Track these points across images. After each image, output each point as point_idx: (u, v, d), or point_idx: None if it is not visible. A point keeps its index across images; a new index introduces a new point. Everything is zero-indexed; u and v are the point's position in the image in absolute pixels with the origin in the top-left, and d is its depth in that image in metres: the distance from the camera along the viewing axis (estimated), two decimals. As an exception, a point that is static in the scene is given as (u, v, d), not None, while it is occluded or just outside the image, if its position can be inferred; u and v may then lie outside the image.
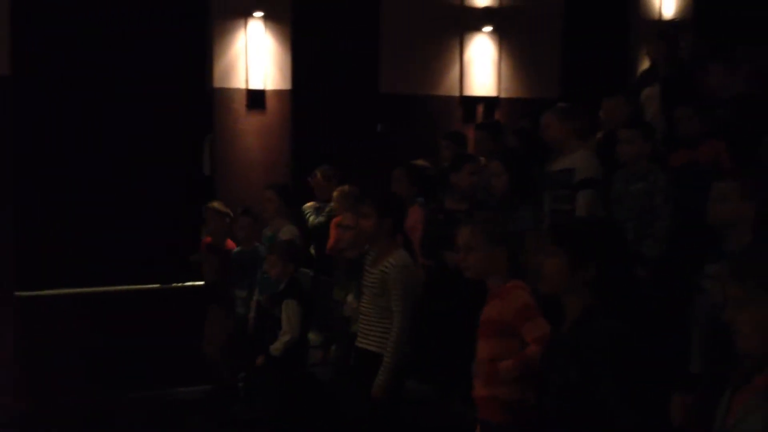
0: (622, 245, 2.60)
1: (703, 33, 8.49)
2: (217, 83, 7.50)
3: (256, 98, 7.60)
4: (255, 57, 7.56)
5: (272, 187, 6.07)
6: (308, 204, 6.70)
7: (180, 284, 7.21)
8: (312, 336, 5.56)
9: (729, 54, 5.96)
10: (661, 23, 8.63)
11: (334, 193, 6.21)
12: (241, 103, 7.58)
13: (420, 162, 6.15)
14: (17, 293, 6.76)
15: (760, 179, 3.20)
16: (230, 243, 6.34)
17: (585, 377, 2.29)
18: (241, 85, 7.57)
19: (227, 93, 7.54)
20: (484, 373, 3.19)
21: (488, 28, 8.13)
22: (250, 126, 7.65)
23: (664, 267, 4.15)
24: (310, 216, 6.57)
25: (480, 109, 8.18)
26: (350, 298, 4.79)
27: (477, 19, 8.12)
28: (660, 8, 8.84)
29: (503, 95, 8.28)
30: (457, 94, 8.15)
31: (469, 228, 3.21)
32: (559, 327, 2.54)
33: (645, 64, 7.97)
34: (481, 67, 8.20)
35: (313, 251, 6.50)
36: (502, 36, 8.22)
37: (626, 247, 3.09)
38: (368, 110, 7.93)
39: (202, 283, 6.65)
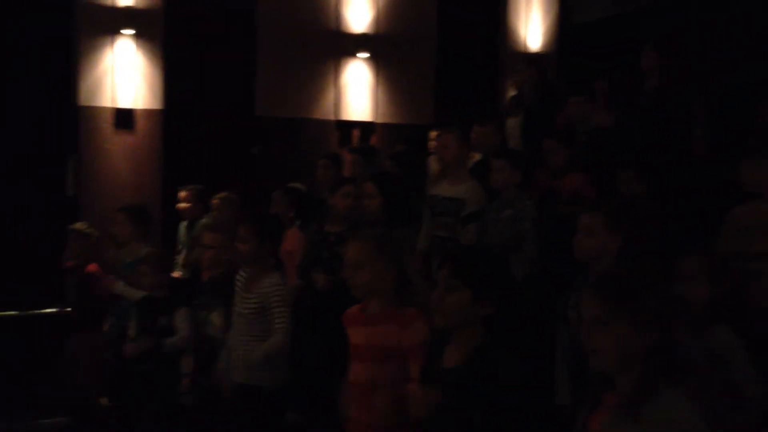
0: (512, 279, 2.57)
1: (565, 66, 8.94)
2: (83, 101, 7.22)
3: (124, 117, 7.36)
4: (124, 75, 7.33)
5: (124, 210, 5.66)
6: (184, 223, 6.54)
7: (41, 311, 6.81)
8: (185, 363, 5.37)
9: (588, 87, 6.29)
10: (527, 55, 9.00)
11: (214, 201, 6.07)
12: (108, 122, 7.33)
13: (295, 185, 6.12)
14: None
15: (624, 212, 3.29)
16: (93, 266, 6.03)
17: (484, 415, 2.24)
18: (109, 104, 7.31)
19: (94, 111, 7.26)
20: (363, 398, 3.05)
21: (364, 54, 8.23)
22: (117, 145, 7.40)
23: (530, 295, 4.18)
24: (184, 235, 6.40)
25: (356, 133, 8.24)
26: (215, 316, 4.63)
27: (353, 44, 8.21)
28: (526, 40, 9.22)
29: (379, 120, 8.38)
30: (333, 118, 8.18)
31: (359, 244, 3.09)
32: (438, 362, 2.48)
33: (512, 93, 8.30)
34: (357, 91, 8.28)
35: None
36: (377, 62, 8.34)
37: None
38: (243, 132, 7.83)
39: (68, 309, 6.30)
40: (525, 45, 9.19)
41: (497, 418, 2.23)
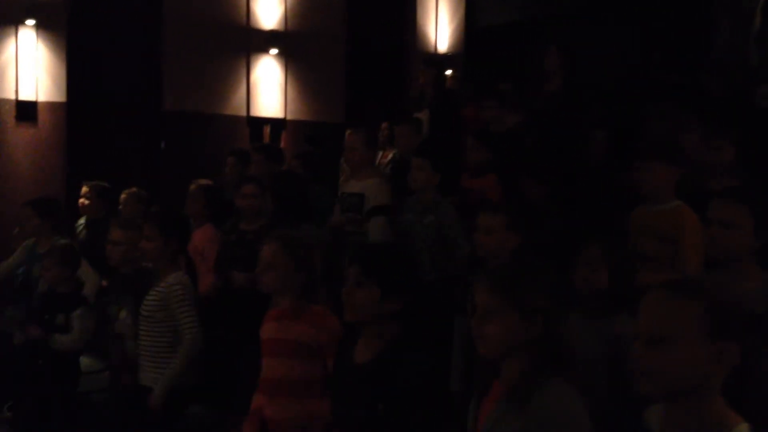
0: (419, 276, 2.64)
1: (473, 68, 9.19)
2: (-16, 93, 6.98)
3: (26, 110, 7.15)
4: (26, 67, 7.12)
5: (30, 204, 5.45)
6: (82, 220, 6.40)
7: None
8: (87, 361, 5.27)
9: (501, 90, 6.50)
10: (435, 56, 9.20)
11: (123, 195, 5.97)
12: (9, 115, 7.10)
13: (203, 181, 6.09)
14: None
15: (523, 212, 3.46)
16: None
17: (393, 409, 2.31)
18: (11, 96, 7.09)
19: (-6, 103, 7.04)
20: (278, 393, 3.14)
21: (275, 51, 8.25)
22: (20, 138, 7.18)
23: (433, 289, 4.29)
24: (82, 231, 6.27)
25: (267, 130, 8.25)
26: (123, 313, 4.58)
27: (263, 41, 8.21)
28: (435, 42, 9.42)
29: (290, 117, 8.42)
30: (243, 114, 8.16)
31: (275, 244, 3.17)
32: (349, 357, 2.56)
33: (415, 92, 8.49)
34: (268, 88, 8.29)
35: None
36: (288, 59, 8.37)
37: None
38: (150, 127, 7.72)
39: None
40: (433, 46, 9.39)
41: (403, 411, 2.32)
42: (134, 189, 6.10)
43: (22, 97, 7.11)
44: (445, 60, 8.71)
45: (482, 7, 9.54)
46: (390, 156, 6.22)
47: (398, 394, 2.33)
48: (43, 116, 7.24)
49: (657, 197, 3.70)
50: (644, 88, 6.59)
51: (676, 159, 3.72)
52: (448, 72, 8.00)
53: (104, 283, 5.60)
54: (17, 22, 7.01)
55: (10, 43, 7.04)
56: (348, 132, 5.15)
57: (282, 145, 8.09)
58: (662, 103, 5.40)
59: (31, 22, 7.05)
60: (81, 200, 6.37)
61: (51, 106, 7.27)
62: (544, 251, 3.37)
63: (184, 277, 3.97)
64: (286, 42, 8.31)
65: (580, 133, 5.74)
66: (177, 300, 3.83)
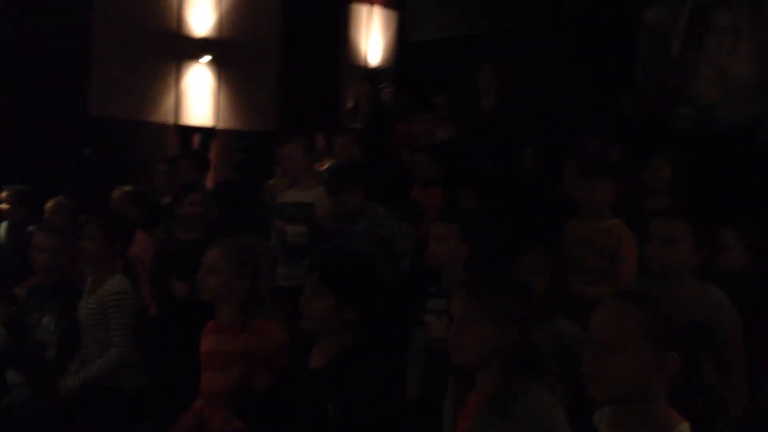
0: (379, 285, 2.66)
1: (405, 82, 9.30)
2: None
3: (-55, 112, 6.88)
4: (-55, 67, 6.86)
5: None
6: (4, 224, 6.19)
7: None
8: (9, 374, 5.08)
9: (428, 103, 6.62)
10: (366, 69, 9.28)
11: (48, 204, 5.80)
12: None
13: (127, 187, 5.97)
14: None
15: (473, 222, 3.53)
16: None
17: (345, 413, 2.33)
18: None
19: None
20: (221, 406, 3.06)
21: (206, 58, 8.16)
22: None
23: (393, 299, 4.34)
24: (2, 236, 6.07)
25: (196, 138, 8.14)
26: (46, 320, 4.44)
27: (194, 48, 8.11)
28: (366, 55, 9.50)
29: (221, 125, 8.33)
30: (172, 121, 8.04)
31: (219, 250, 3.12)
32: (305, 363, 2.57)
33: (350, 105, 8.55)
34: (199, 96, 8.19)
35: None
36: (220, 66, 8.30)
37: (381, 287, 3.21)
38: (76, 132, 7.52)
39: None
40: (365, 59, 9.47)
41: (352, 412, 2.34)
42: (60, 198, 5.93)
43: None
44: (378, 74, 8.79)
45: (415, 23, 9.68)
46: (327, 166, 6.24)
47: (348, 396, 2.35)
48: (-37, 119, 6.97)
49: (596, 213, 3.84)
50: (573, 107, 6.82)
51: (615, 177, 3.88)
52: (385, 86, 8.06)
53: (20, 290, 5.44)
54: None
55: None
56: (285, 141, 5.14)
57: (212, 153, 8.00)
58: (591, 122, 5.60)
59: (-49, 21, 6.80)
60: (1, 205, 6.16)
61: (-28, 108, 7.02)
62: (487, 259, 3.44)
63: (123, 282, 3.84)
64: (219, 49, 8.23)
65: (512, 148, 5.90)
66: (112, 311, 3.73)
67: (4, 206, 6.16)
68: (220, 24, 8.31)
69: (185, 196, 4.81)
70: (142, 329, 3.98)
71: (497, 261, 3.46)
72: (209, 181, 6.74)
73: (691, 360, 1.78)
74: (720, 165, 5.78)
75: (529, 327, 2.10)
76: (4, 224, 6.23)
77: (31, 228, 5.25)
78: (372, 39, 9.51)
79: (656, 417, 1.74)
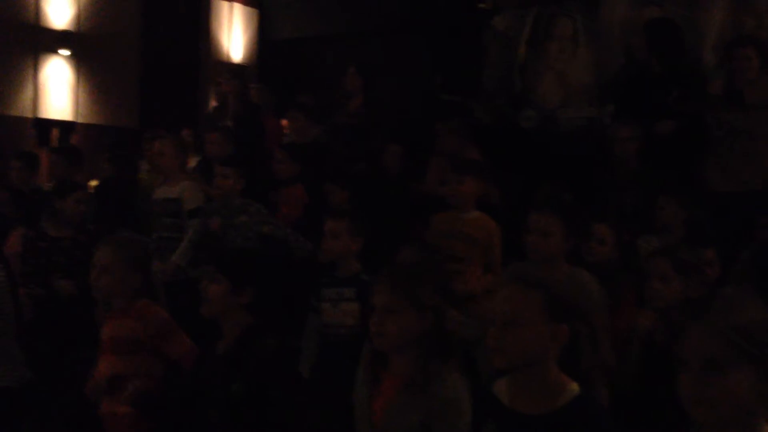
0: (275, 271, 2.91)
1: (265, 79, 9.44)
2: None
3: None
4: None
5: None
6: None
7: None
8: None
9: (303, 103, 6.83)
10: (229, 65, 9.36)
11: None
12: None
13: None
14: None
15: (365, 218, 3.82)
16: None
17: (250, 390, 2.55)
18: None
19: None
20: (111, 391, 3.18)
21: (65, 52, 7.98)
22: None
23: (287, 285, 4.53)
24: None
25: (55, 132, 7.94)
26: None
27: (53, 41, 7.91)
28: (228, 52, 9.58)
29: (80, 120, 8.16)
30: (30, 115, 7.81)
31: (110, 248, 3.21)
32: (212, 346, 2.77)
33: (214, 102, 8.61)
34: (57, 90, 7.99)
35: None
36: (79, 60, 8.12)
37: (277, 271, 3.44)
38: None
39: None
40: (227, 55, 9.54)
41: (255, 389, 2.58)
42: None
43: None
44: (245, 71, 8.89)
45: (275, 21, 9.82)
46: (194, 163, 6.33)
47: (250, 374, 2.58)
48: None
49: (464, 206, 4.24)
50: (429, 108, 7.21)
51: (484, 174, 4.30)
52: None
53: None
54: None
55: None
56: (156, 138, 5.23)
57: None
58: (447, 123, 6.01)
59: None
60: None
61: None
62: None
63: None
64: (78, 43, 8.06)
65: (378, 146, 6.24)
66: None
67: None
68: (79, 17, 8.14)
69: (70, 193, 4.78)
70: (20, 326, 3.98)
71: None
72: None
73: (574, 330, 2.12)
74: (562, 163, 6.33)
75: (444, 313, 2.36)
76: None
77: None
78: (233, 36, 9.60)
79: (550, 380, 2.03)
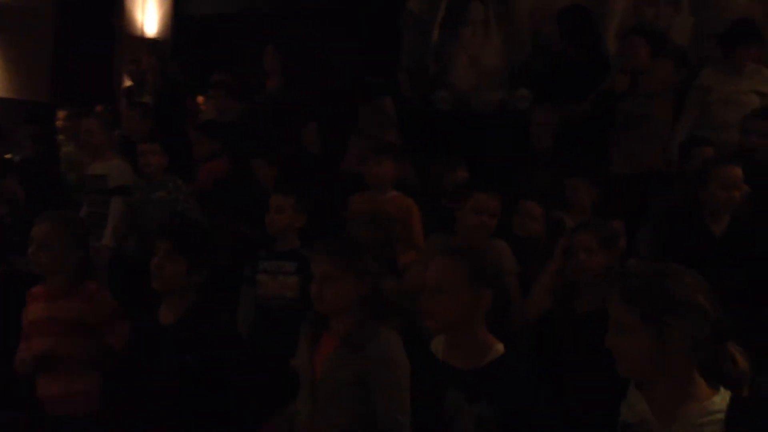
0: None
1: (180, 55, 9.37)
2: None
3: None
4: None
5: None
6: None
7: None
8: None
9: (222, 81, 6.86)
10: (144, 39, 9.24)
11: None
12: None
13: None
14: None
15: (309, 194, 3.98)
16: None
17: (203, 360, 2.70)
18: None
19: None
20: (48, 370, 3.21)
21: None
22: None
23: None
24: None
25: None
26: None
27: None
28: (142, 25, 9.44)
29: (-11, 92, 7.95)
30: (-63, 88, 7.56)
31: (48, 224, 3.22)
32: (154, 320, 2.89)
33: (127, 78, 8.49)
34: (-35, 61, 7.75)
35: None
36: (-10, 33, 7.89)
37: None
38: None
39: None
40: (142, 30, 9.40)
41: (209, 359, 2.75)
42: None
43: None
44: (163, 47, 8.78)
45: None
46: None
47: (203, 345, 2.74)
48: None
49: (382, 187, 4.45)
50: (350, 88, 7.34)
51: (402, 156, 4.51)
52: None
53: None
54: None
55: None
56: (82, 115, 5.21)
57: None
58: (369, 103, 6.18)
59: None
60: None
61: None
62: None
63: None
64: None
65: (297, 124, 6.36)
66: None
67: None
68: (-11, -13, 7.90)
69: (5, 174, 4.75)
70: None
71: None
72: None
73: (500, 295, 2.38)
74: (477, 144, 6.61)
75: (381, 278, 2.57)
76: None
77: None
78: (148, 10, 9.46)
79: (478, 340, 2.30)
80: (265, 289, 3.78)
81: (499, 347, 2.30)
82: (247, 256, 3.97)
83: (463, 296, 2.26)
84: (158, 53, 7.30)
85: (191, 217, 4.84)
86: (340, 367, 2.52)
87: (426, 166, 5.36)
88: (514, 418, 2.15)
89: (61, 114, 6.60)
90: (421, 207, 4.50)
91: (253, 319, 3.84)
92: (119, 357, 3.21)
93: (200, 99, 7.70)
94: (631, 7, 6.93)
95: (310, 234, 3.88)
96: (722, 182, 3.70)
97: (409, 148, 5.69)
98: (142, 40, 9.10)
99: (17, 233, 4.59)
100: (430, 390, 2.31)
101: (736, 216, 3.79)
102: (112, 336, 3.26)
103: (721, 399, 1.74)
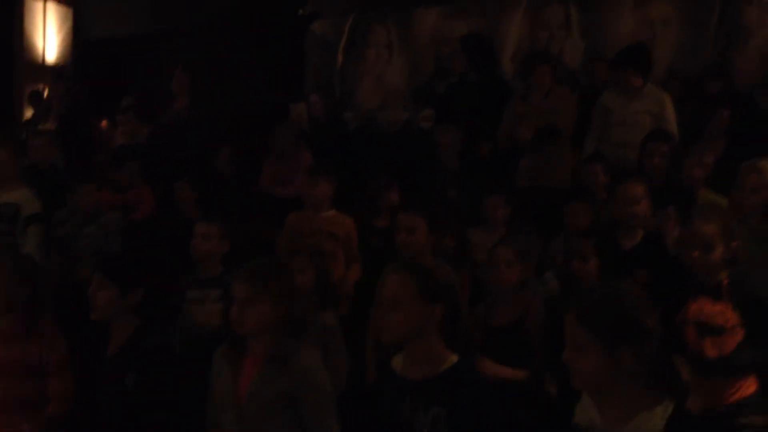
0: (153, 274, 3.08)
1: (83, 79, 9.23)
2: None
3: None
4: None
5: None
6: None
7: None
8: None
9: (128, 104, 6.84)
10: (45, 66, 9.08)
11: None
12: None
13: None
14: None
15: (233, 222, 4.04)
16: None
17: (142, 383, 2.79)
18: None
19: None
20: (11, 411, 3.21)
21: None
22: None
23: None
24: None
25: None
26: None
27: None
28: (43, 52, 9.27)
29: None
30: None
31: None
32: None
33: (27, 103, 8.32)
34: None
35: None
36: None
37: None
38: None
39: None
40: (42, 56, 9.24)
41: (149, 380, 2.85)
42: None
43: None
44: (68, 72, 8.66)
45: (91, 18, 9.56)
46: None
47: (143, 367, 2.84)
48: None
49: (320, 206, 4.59)
50: (258, 109, 7.44)
51: (335, 176, 4.66)
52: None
53: None
54: None
55: None
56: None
57: None
58: (283, 124, 6.30)
59: None
60: None
61: None
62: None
63: None
64: None
65: (208, 146, 6.40)
66: None
67: None
68: None
69: None
70: None
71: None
72: None
73: (451, 308, 2.50)
74: (385, 162, 6.79)
75: (298, 299, 2.71)
76: None
77: None
78: (48, 35, 9.30)
79: (432, 351, 2.43)
80: (194, 318, 3.80)
81: (453, 357, 2.44)
82: (171, 283, 3.97)
83: (415, 310, 2.38)
84: (62, 79, 7.21)
85: (119, 248, 4.85)
86: (266, 388, 2.61)
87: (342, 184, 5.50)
88: (466, 420, 2.29)
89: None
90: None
91: (182, 348, 3.85)
92: (64, 400, 3.24)
93: (104, 123, 7.62)
94: (525, 32, 7.35)
95: (230, 258, 3.93)
96: (625, 199, 3.92)
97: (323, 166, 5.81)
98: (43, 67, 8.94)
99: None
100: (391, 404, 2.43)
101: (649, 230, 3.98)
102: (57, 379, 3.28)
103: (664, 410, 1.87)
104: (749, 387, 2.95)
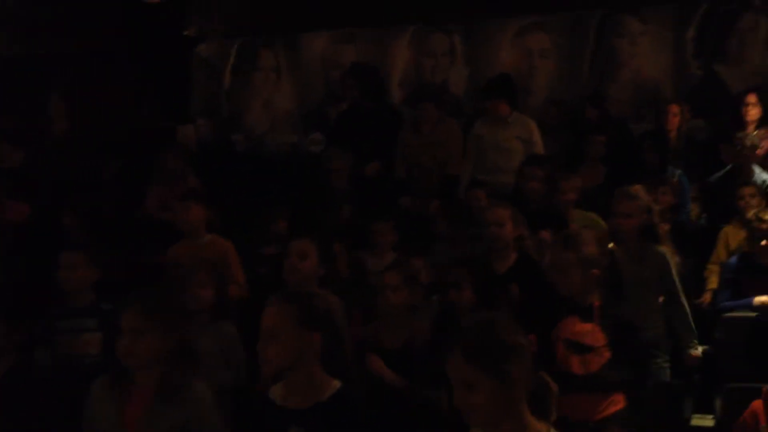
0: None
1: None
2: None
3: None
4: None
5: None
6: None
7: None
8: None
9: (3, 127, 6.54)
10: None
11: None
12: None
13: None
14: None
15: (109, 248, 3.89)
16: None
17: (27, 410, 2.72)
18: None
19: None
20: None
21: None
22: None
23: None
24: None
25: None
26: None
27: None
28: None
29: None
30: None
31: None
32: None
33: None
34: None
35: None
36: None
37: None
38: None
39: None
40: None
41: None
42: None
43: None
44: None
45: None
46: None
47: (17, 403, 2.77)
48: None
49: (195, 232, 4.49)
50: (143, 132, 7.26)
51: (206, 201, 4.57)
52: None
53: None
54: None
55: None
56: None
57: None
58: (171, 149, 6.18)
59: None
60: None
61: None
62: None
63: None
64: None
65: (89, 170, 6.22)
66: None
67: None
68: None
69: None
70: None
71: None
72: None
73: (330, 335, 2.51)
74: (274, 184, 6.76)
75: (188, 331, 2.67)
76: None
77: None
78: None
79: (314, 379, 2.43)
80: (68, 349, 3.63)
81: (335, 383, 2.45)
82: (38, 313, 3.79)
83: (294, 339, 2.38)
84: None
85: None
86: (158, 422, 2.56)
87: (229, 209, 5.44)
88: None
89: None
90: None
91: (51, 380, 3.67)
92: None
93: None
94: (412, 59, 7.53)
95: (108, 286, 3.80)
96: (491, 222, 4.00)
97: (210, 191, 5.74)
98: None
99: None
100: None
101: (523, 252, 4.08)
102: None
103: (547, 428, 1.95)
104: (617, 404, 3.06)
